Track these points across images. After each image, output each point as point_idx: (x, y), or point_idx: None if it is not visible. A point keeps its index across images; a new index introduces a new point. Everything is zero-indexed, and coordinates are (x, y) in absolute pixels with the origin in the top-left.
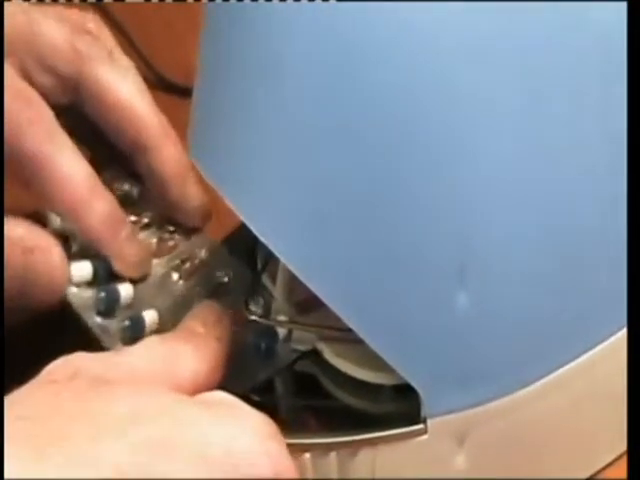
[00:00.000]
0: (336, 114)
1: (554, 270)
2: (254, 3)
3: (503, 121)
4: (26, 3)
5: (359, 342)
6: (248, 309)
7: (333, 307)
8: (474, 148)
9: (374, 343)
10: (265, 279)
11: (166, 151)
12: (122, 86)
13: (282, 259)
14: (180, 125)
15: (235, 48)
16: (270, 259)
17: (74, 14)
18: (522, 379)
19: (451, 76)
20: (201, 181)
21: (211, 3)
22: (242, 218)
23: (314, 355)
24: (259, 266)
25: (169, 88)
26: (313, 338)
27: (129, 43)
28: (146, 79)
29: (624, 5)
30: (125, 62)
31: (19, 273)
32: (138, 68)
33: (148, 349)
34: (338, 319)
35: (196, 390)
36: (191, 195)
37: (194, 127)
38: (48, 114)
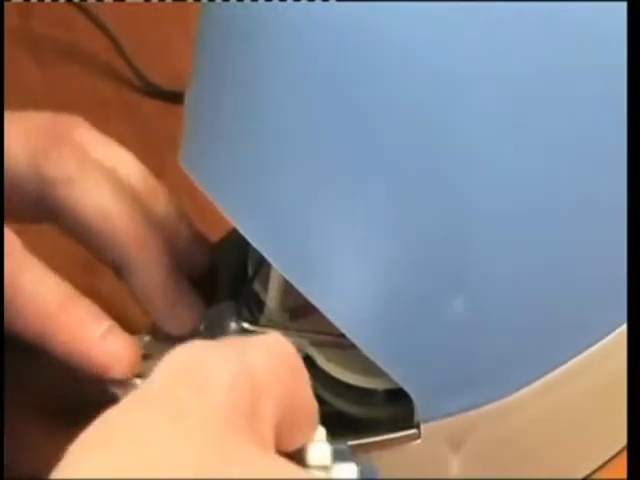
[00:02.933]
0: (331, 122)
1: (549, 275)
2: (248, 10)
3: (503, 127)
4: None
5: (352, 347)
6: (239, 316)
7: (326, 312)
8: (473, 154)
9: (367, 348)
10: (256, 285)
11: (144, 273)
12: (90, 203)
13: (274, 265)
14: (170, 131)
15: (229, 55)
16: (261, 265)
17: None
18: (516, 383)
19: (451, 81)
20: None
21: (205, 11)
22: (234, 224)
23: (306, 361)
24: (250, 272)
25: (159, 94)
26: (305, 344)
27: (117, 50)
28: (134, 86)
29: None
30: (95, 168)
31: None
32: (128, 75)
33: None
34: (330, 325)
35: None
36: (177, 314)
37: (186, 133)
38: (14, 242)
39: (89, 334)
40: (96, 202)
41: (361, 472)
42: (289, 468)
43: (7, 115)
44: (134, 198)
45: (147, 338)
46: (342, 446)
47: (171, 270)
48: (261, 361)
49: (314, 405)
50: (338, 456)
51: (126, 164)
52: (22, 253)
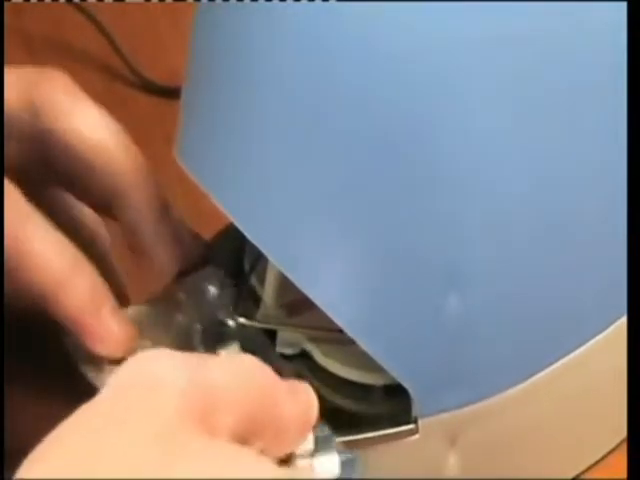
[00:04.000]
0: (324, 117)
1: (544, 272)
2: (242, 7)
3: (496, 127)
4: None
5: (349, 343)
6: (236, 312)
7: (323, 307)
8: (466, 153)
9: (364, 343)
10: (253, 281)
11: (138, 197)
12: (89, 136)
13: (271, 259)
14: (164, 127)
15: (223, 50)
16: (258, 261)
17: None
18: (513, 378)
19: (442, 80)
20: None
21: (200, 7)
22: (231, 218)
23: (303, 357)
24: (246, 268)
25: (153, 90)
26: (301, 340)
27: (113, 46)
28: (130, 81)
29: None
30: (87, 101)
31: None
32: (122, 70)
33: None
34: (328, 320)
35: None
36: (162, 244)
37: (182, 128)
38: (16, 197)
39: (92, 307)
40: (92, 130)
41: (342, 463)
42: (237, 454)
43: None
44: (125, 136)
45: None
46: (325, 432)
47: (163, 208)
48: (221, 375)
49: (294, 420)
50: (322, 443)
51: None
52: (27, 209)
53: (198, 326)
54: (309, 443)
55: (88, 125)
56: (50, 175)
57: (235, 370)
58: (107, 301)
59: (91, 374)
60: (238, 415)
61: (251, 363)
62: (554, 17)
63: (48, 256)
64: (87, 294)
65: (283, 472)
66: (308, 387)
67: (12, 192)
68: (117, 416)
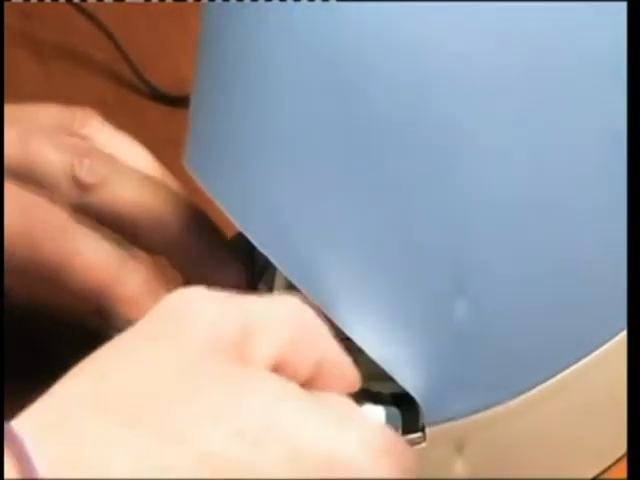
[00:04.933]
0: (333, 126)
1: (553, 278)
2: (251, 14)
3: (501, 134)
4: (22, 126)
5: (358, 351)
6: None
7: (332, 316)
8: (472, 160)
9: (373, 352)
10: (262, 287)
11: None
12: (130, 201)
13: (279, 267)
14: (173, 134)
15: (231, 58)
16: (266, 268)
17: (67, 120)
18: (521, 386)
19: (447, 86)
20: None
21: (208, 14)
22: (238, 226)
23: None
24: (256, 274)
25: (162, 99)
26: None
27: (122, 55)
28: (139, 90)
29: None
30: (128, 158)
31: None
32: (131, 79)
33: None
34: (336, 328)
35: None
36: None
37: (190, 136)
38: (58, 213)
39: (148, 299)
40: (131, 197)
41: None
42: (262, 379)
43: (45, 136)
44: (161, 186)
45: None
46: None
47: (200, 234)
48: (258, 305)
49: (338, 358)
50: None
51: (139, 156)
52: (71, 220)
53: None
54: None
55: (125, 192)
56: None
57: (274, 302)
58: (156, 295)
59: None
60: (276, 343)
61: (292, 299)
62: (554, 17)
63: (100, 265)
64: (135, 295)
65: (309, 399)
66: None
67: (50, 208)
68: (149, 340)
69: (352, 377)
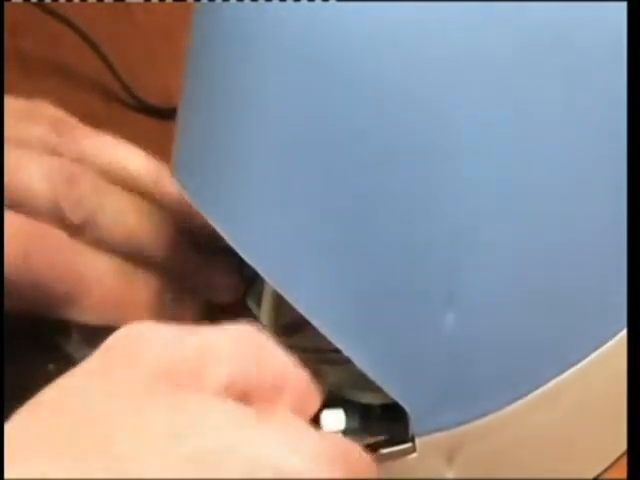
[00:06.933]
0: (320, 139)
1: (542, 289)
2: (238, 28)
3: (491, 142)
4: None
5: (346, 363)
6: None
7: (321, 328)
8: (462, 172)
9: (362, 363)
10: (250, 302)
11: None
12: (121, 233)
13: (267, 280)
14: (160, 147)
15: (218, 70)
16: (254, 282)
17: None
18: (511, 395)
19: (435, 93)
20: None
21: (195, 28)
22: (226, 238)
23: None
24: (243, 288)
25: (149, 111)
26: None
27: (109, 67)
28: (126, 103)
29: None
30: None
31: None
32: (118, 92)
33: (242, 336)
34: (325, 340)
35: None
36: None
37: (177, 149)
38: (54, 233)
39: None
40: (122, 226)
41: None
42: (221, 403)
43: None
44: (149, 200)
45: None
46: None
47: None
48: (214, 335)
49: (295, 379)
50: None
51: (134, 161)
52: (72, 242)
53: None
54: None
55: (116, 220)
56: None
57: (226, 330)
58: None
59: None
60: (228, 370)
61: (245, 326)
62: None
63: (104, 285)
64: (142, 311)
65: (261, 419)
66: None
67: (55, 232)
68: (98, 375)
69: (312, 396)
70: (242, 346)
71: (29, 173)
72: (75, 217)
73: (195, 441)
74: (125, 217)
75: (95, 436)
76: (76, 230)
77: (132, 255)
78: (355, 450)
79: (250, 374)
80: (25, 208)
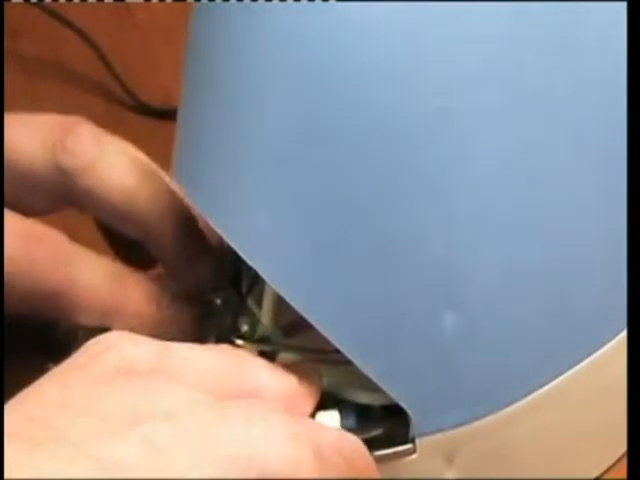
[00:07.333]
0: (318, 138)
1: (542, 290)
2: (237, 27)
3: (491, 146)
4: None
5: (346, 363)
6: (236, 332)
7: (321, 328)
8: (461, 173)
9: (362, 364)
10: (250, 302)
11: (164, 241)
12: (114, 186)
13: (268, 280)
14: (160, 148)
15: (218, 70)
16: (255, 282)
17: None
18: (511, 396)
19: (435, 93)
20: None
21: (194, 28)
22: (226, 239)
23: None
24: (244, 289)
25: (149, 111)
26: (299, 360)
27: (108, 68)
28: (126, 103)
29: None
30: (113, 148)
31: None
32: (118, 92)
33: (219, 349)
34: (325, 341)
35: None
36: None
37: (178, 149)
38: (53, 234)
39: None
40: (119, 184)
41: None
42: (179, 388)
43: (14, 117)
44: (153, 173)
45: None
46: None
47: (188, 234)
48: (186, 350)
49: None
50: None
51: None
52: (71, 244)
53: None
54: None
55: (113, 178)
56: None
57: (198, 347)
58: (157, 304)
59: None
60: (202, 377)
61: (227, 346)
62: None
63: (98, 289)
64: (137, 308)
65: (227, 404)
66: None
67: (53, 233)
68: (61, 372)
69: (302, 399)
70: (220, 358)
71: (19, 136)
72: (74, 165)
73: (147, 426)
74: (126, 175)
75: (53, 427)
76: (76, 197)
77: (123, 221)
78: (352, 442)
79: (227, 382)
80: (26, 185)
